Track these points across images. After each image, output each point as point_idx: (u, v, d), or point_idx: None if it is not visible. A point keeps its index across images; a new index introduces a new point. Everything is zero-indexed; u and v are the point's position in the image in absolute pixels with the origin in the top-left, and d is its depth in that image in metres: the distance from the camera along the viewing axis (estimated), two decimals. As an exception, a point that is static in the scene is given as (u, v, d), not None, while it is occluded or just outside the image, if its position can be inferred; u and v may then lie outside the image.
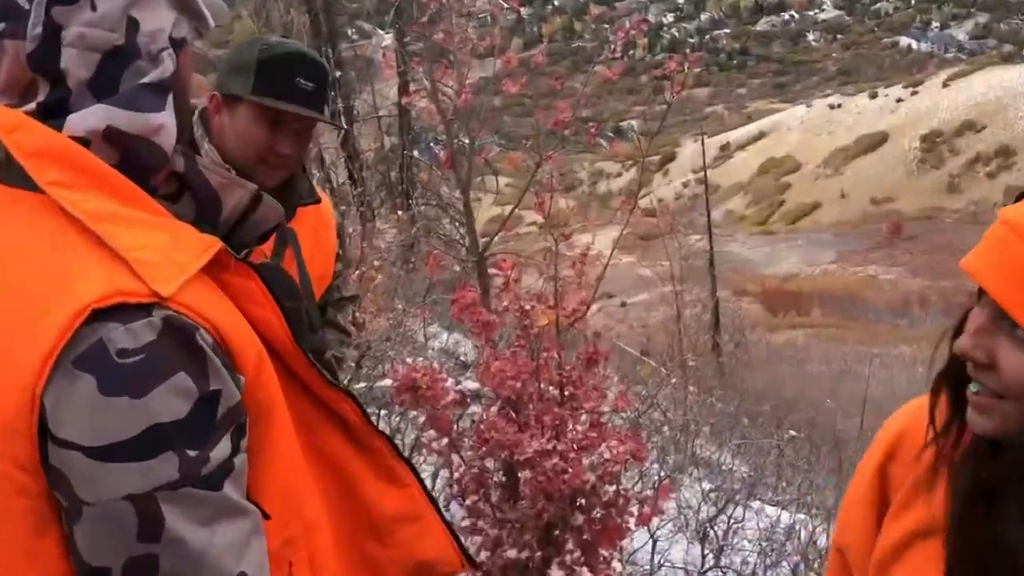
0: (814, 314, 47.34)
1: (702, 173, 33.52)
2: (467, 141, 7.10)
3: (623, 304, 45.94)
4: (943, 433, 1.22)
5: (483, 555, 3.55)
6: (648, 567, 5.04)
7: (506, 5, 8.49)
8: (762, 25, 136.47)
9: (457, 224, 10.98)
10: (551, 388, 3.80)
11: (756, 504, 6.55)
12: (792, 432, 10.69)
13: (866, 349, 30.08)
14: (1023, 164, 69.20)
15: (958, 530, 1.17)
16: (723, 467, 8.24)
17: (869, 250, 60.97)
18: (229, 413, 1.22)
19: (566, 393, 3.80)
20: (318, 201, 2.75)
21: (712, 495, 6.31)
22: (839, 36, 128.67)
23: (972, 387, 1.13)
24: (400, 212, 12.62)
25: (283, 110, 2.43)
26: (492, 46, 6.91)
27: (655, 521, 4.66)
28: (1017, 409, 1.08)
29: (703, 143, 35.89)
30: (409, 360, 5.97)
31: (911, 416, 1.32)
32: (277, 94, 2.42)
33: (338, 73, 11.59)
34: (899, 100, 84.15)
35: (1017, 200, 1.13)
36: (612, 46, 6.45)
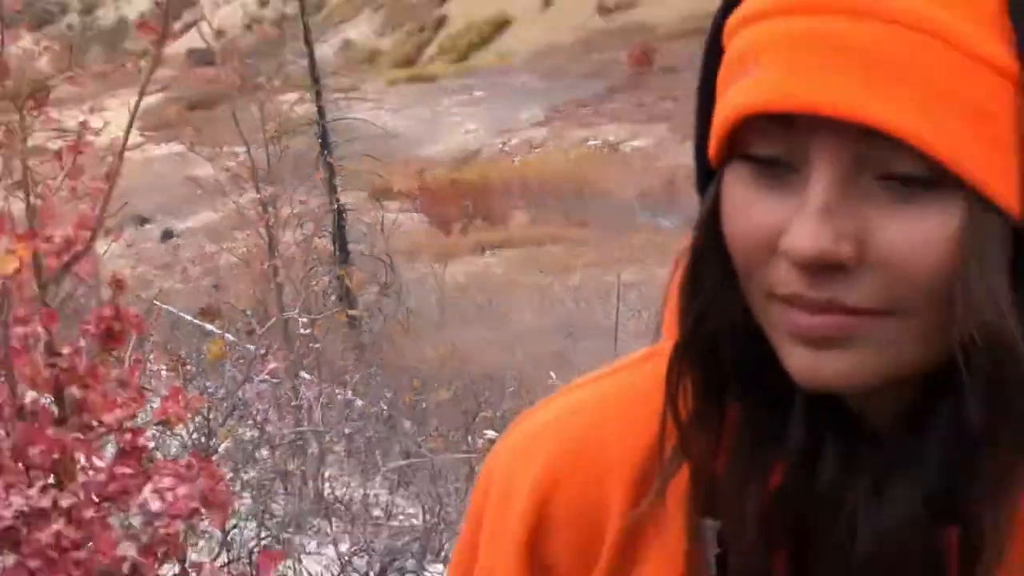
0: (516, 220, 48.94)
1: (291, -24, 33.37)
2: None
3: (169, 236, 45.54)
4: (705, 432, 1.31)
5: None
6: None
7: None
8: None
9: None
10: (37, 394, 3.76)
11: (440, 568, 6.77)
12: (492, 433, 11.07)
13: (611, 272, 31.20)
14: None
15: (746, 572, 1.29)
16: (378, 510, 8.44)
17: (602, 99, 63.58)
18: None
19: (68, 399, 3.77)
20: None
21: (357, 561, 6.47)
22: None
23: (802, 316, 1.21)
24: None
25: None
26: None
27: (259, 620, 4.74)
28: (905, 327, 1.19)
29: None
30: None
31: (551, 450, 1.42)
32: None
33: None
34: None
35: None
36: None
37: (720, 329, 1.27)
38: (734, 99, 1.19)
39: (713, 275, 1.26)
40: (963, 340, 1.15)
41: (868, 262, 1.15)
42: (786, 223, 1.16)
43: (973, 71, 1.14)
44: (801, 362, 1.20)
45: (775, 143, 1.18)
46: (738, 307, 1.25)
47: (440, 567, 6.78)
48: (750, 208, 1.20)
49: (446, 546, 7.20)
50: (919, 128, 1.12)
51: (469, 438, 11.60)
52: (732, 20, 1.22)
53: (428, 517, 7.59)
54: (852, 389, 1.22)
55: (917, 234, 1.14)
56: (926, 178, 1.14)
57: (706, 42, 1.27)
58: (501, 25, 78.17)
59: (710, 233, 1.25)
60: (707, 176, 1.27)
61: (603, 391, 1.44)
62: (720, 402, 1.29)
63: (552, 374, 18.23)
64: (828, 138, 1.15)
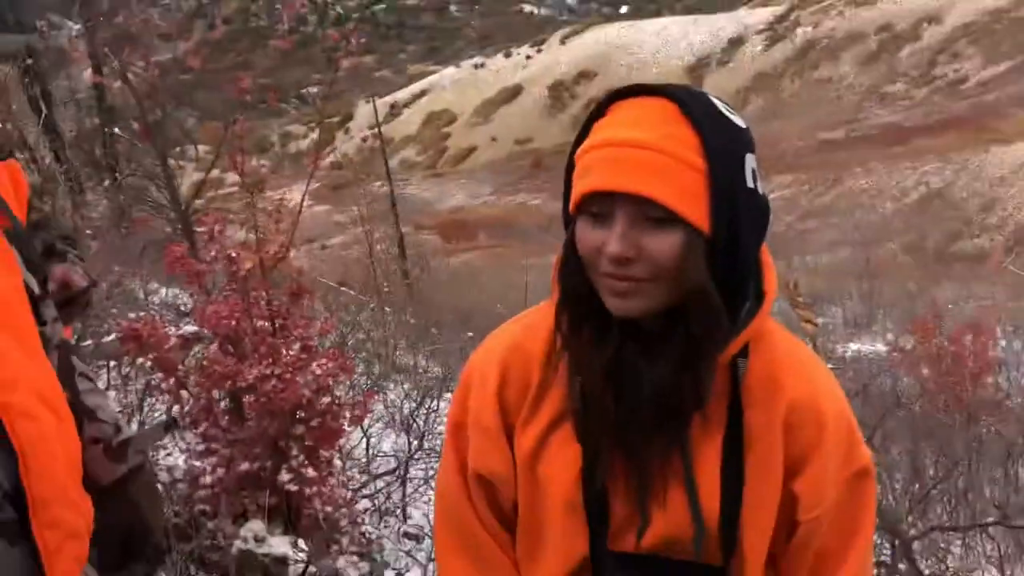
0: (480, 238, 48.78)
1: (377, 129, 33.37)
2: (161, 114, 6.68)
3: (323, 247, 45.13)
4: (573, 337, 1.32)
5: (219, 472, 3.45)
6: (364, 459, 5.08)
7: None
8: (411, 0, 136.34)
9: (164, 191, 10.35)
10: (263, 322, 3.71)
11: (449, 395, 6.73)
12: (471, 333, 11.01)
13: (524, 262, 31.26)
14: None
15: (594, 402, 1.29)
16: (420, 370, 8.38)
17: (518, 182, 63.50)
18: None
19: (277, 325, 3.72)
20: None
21: (412, 393, 6.42)
22: (477, 6, 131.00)
23: (615, 284, 1.23)
24: (107, 183, 11.69)
25: None
26: (177, 30, 6.50)
27: (366, 421, 4.70)
28: (661, 286, 1.23)
29: (375, 104, 35.63)
30: (132, 316, 5.61)
31: (505, 347, 1.41)
32: None
33: (29, 60, 10.52)
34: (528, 57, 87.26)
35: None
36: (282, 23, 6.24)
37: (577, 290, 1.30)
38: (582, 187, 1.25)
39: (573, 265, 1.29)
40: (688, 294, 1.23)
41: (642, 258, 1.22)
42: (606, 241, 1.22)
43: (686, 170, 1.20)
44: (614, 304, 1.25)
45: (600, 205, 1.23)
46: (585, 280, 1.28)
47: (448, 394, 6.76)
48: (589, 235, 1.25)
49: (451, 386, 7.18)
50: (664, 196, 1.19)
51: (461, 335, 11.50)
52: (579, 151, 1.27)
53: (443, 372, 7.56)
54: (638, 315, 1.26)
55: (665, 245, 1.21)
56: (668, 218, 1.21)
57: (567, 162, 1.30)
58: (472, 150, 77.78)
59: (571, 246, 1.29)
60: (568, 220, 1.30)
61: (527, 320, 1.44)
62: (580, 324, 1.31)
63: (499, 305, 18.23)
64: (624, 202, 1.21)
